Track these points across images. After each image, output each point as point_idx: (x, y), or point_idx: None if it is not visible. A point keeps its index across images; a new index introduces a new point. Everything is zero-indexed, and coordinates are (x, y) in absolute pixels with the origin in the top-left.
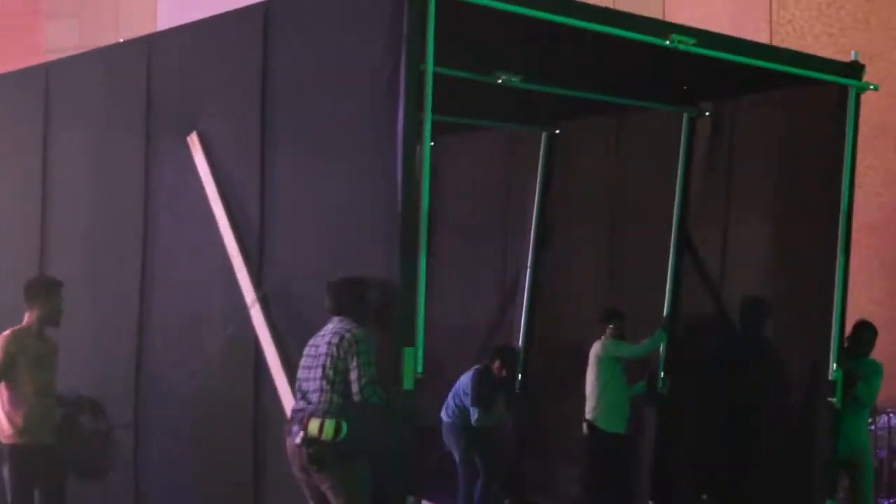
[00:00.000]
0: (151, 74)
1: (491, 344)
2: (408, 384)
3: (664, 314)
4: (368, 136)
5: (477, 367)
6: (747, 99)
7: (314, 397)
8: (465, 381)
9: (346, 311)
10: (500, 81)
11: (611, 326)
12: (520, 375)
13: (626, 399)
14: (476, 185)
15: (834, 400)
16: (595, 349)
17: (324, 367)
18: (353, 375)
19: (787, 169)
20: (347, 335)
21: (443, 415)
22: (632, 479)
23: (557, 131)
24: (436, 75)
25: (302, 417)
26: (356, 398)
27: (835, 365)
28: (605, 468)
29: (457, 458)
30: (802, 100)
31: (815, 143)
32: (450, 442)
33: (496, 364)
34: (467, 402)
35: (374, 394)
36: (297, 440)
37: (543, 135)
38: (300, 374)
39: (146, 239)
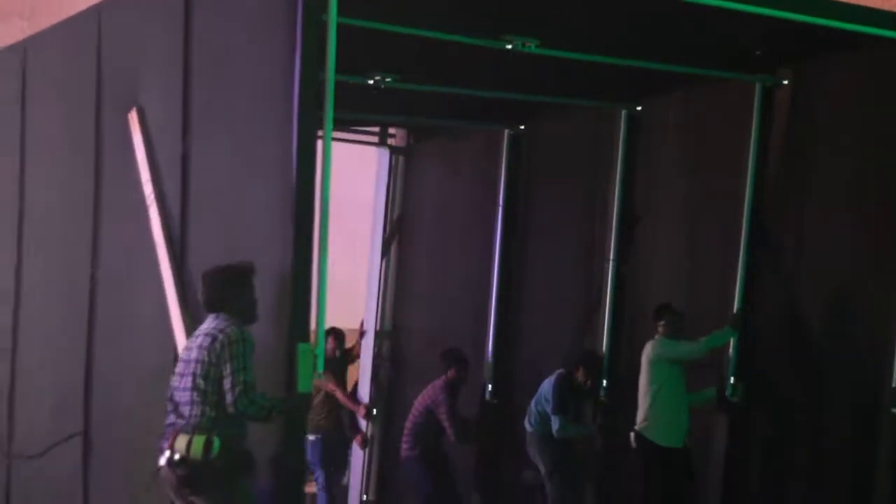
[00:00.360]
0: (102, 45)
1: (575, 348)
2: (303, 386)
3: (734, 310)
4: (268, 104)
5: (560, 371)
6: (829, 64)
7: (186, 410)
8: (546, 386)
9: (221, 306)
10: (508, 47)
11: (661, 324)
12: (605, 381)
13: (683, 408)
14: (558, 172)
15: None
16: (646, 351)
17: (194, 374)
18: (227, 384)
19: (868, 146)
20: (220, 336)
21: (526, 424)
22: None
23: (639, 108)
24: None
25: (171, 434)
26: (230, 409)
27: None
28: (656, 486)
29: (542, 469)
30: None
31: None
32: (533, 453)
33: (580, 372)
34: (549, 408)
35: (250, 404)
36: (163, 460)
37: (623, 112)
38: (172, 382)
39: (96, 230)
